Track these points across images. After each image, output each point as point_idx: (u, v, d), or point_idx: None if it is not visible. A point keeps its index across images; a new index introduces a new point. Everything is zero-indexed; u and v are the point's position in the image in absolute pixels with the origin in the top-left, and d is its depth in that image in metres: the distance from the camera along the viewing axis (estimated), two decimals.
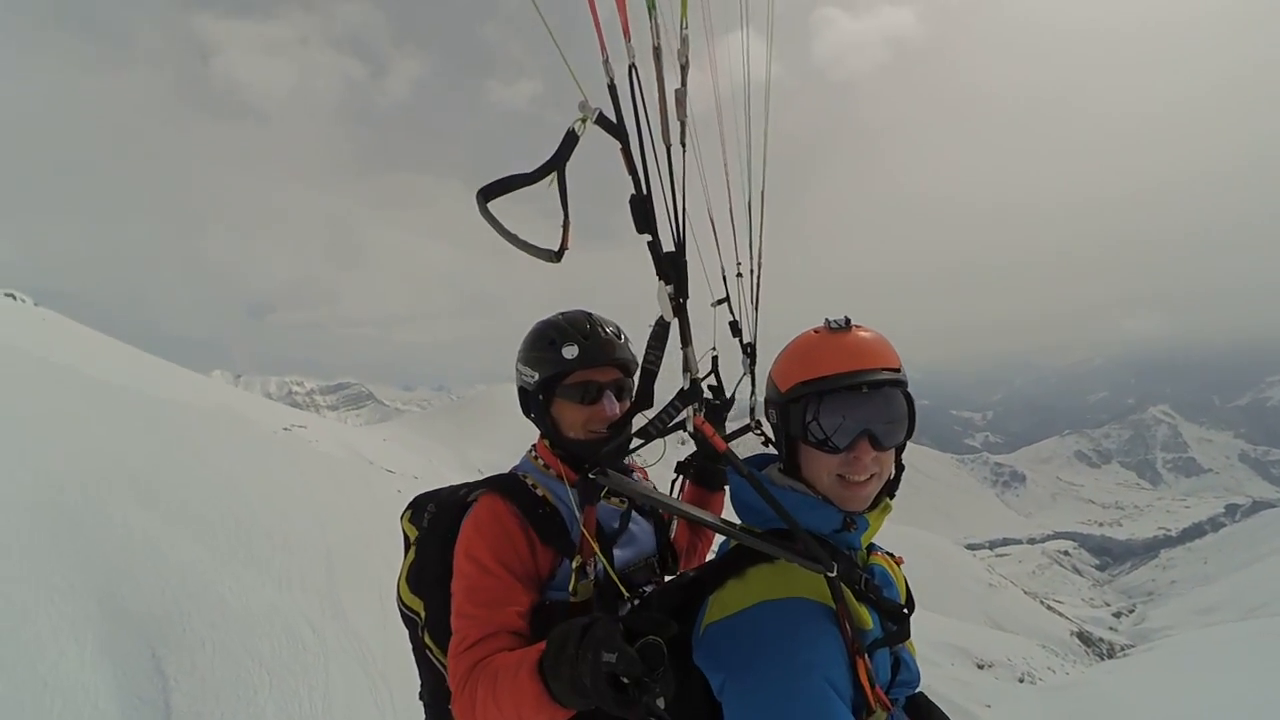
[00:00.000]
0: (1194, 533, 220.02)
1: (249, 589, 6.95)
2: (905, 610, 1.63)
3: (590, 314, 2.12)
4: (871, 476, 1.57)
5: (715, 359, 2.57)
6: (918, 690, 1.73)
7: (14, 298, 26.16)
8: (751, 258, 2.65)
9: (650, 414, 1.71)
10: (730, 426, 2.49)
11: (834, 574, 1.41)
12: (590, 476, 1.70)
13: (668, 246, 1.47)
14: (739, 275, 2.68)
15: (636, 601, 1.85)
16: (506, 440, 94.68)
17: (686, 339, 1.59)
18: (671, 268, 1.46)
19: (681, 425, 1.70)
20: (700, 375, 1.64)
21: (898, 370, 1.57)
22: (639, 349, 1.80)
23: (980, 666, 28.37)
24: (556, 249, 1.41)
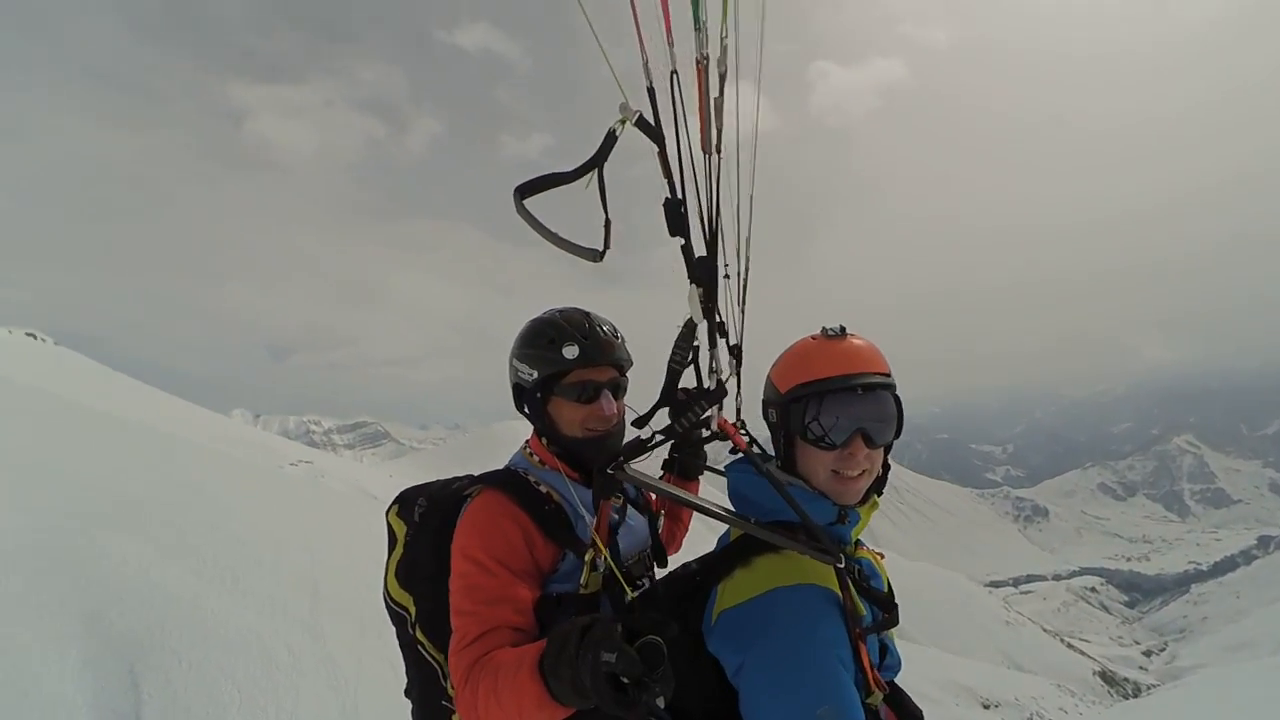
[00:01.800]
0: (1226, 566, 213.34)
1: (231, 613, 7.23)
2: (894, 601, 1.73)
3: (589, 312, 2.14)
4: (863, 472, 1.69)
5: (696, 349, 2.73)
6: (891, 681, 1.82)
7: (35, 337, 27.03)
8: (739, 260, 2.90)
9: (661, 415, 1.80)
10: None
11: (842, 565, 1.54)
12: (609, 472, 1.71)
13: (700, 252, 1.53)
14: (725, 277, 2.86)
15: (636, 593, 1.88)
16: None
17: (714, 341, 1.67)
18: (703, 272, 1.52)
19: (706, 424, 1.78)
20: (725, 376, 1.72)
21: (888, 375, 1.69)
22: (634, 350, 1.95)
23: (986, 706, 27.74)
24: (601, 249, 1.45)
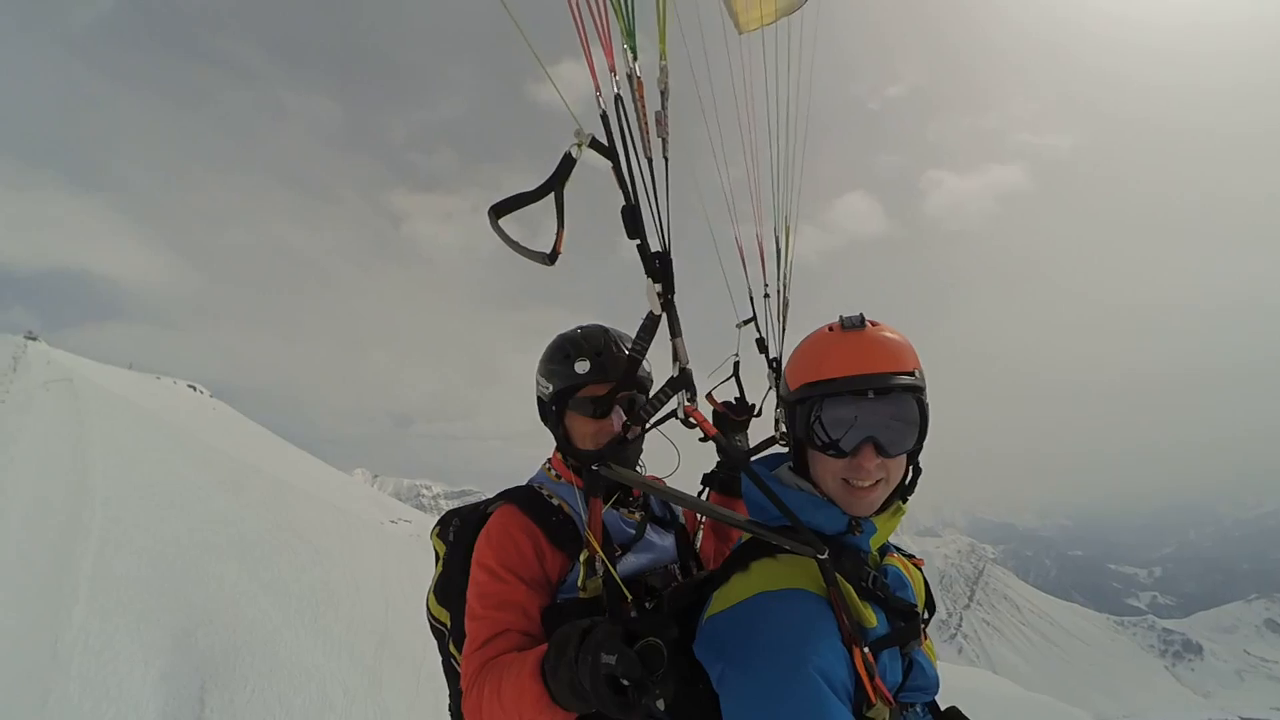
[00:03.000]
0: None
1: (302, 649, 7.79)
2: (917, 610, 1.59)
3: (608, 330, 2.16)
4: (877, 482, 1.52)
5: (737, 364, 2.66)
6: (949, 706, 1.69)
7: (194, 389, 30.32)
8: (779, 278, 2.84)
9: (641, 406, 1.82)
10: (754, 438, 2.61)
11: (824, 556, 1.41)
12: (594, 468, 1.74)
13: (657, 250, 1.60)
14: (766, 296, 2.83)
15: (649, 603, 1.89)
16: None
17: (675, 331, 1.65)
18: (659, 266, 1.56)
19: (673, 413, 1.73)
20: (688, 364, 1.70)
21: (911, 374, 1.51)
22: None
23: None
24: (549, 253, 1.51)
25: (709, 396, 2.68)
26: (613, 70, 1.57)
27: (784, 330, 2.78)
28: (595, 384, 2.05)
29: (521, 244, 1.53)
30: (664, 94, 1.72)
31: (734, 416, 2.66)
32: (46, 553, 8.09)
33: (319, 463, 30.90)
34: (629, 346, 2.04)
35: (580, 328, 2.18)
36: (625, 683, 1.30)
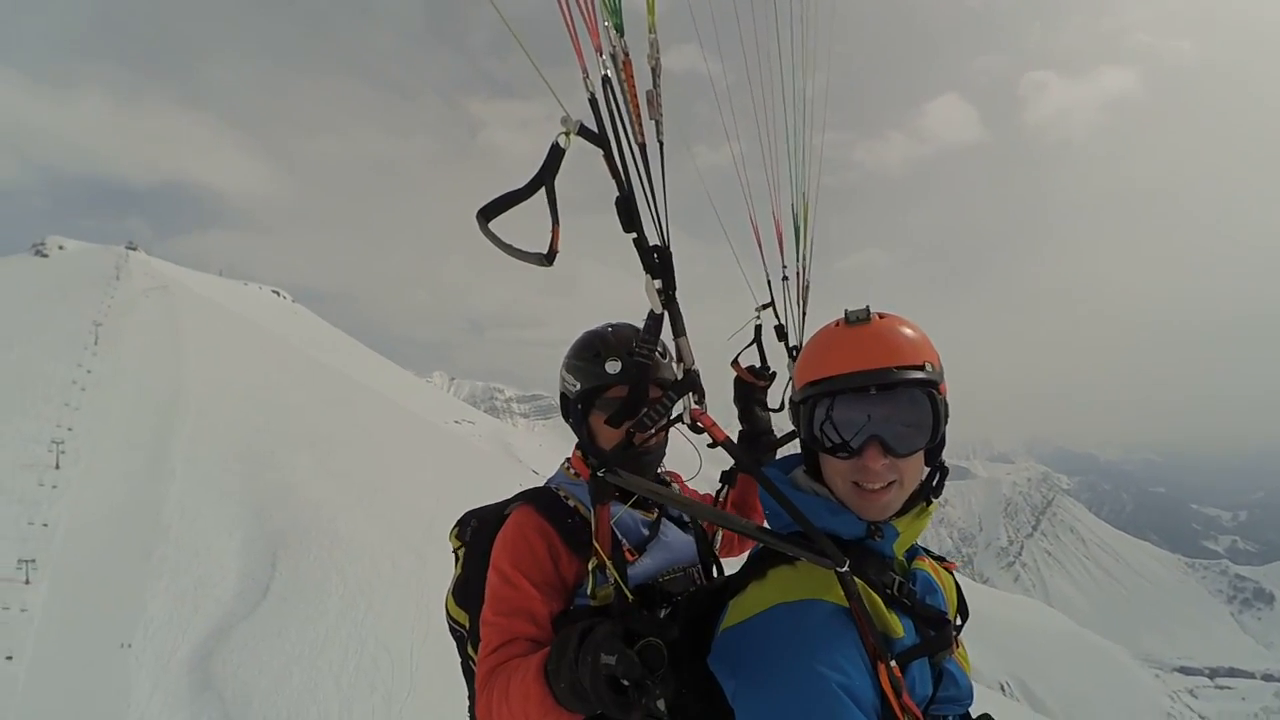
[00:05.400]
0: None
1: (359, 528, 9.11)
2: (948, 618, 1.51)
3: (639, 329, 2.01)
4: (890, 484, 1.42)
5: (758, 328, 2.59)
6: (981, 714, 1.59)
7: (278, 294, 32.38)
8: (799, 259, 2.67)
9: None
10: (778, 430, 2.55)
11: (844, 569, 1.32)
12: (600, 475, 1.66)
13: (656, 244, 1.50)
14: (784, 279, 2.67)
15: (665, 608, 1.85)
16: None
17: (678, 330, 1.57)
18: (658, 262, 1.47)
19: (679, 418, 1.64)
20: (693, 365, 1.62)
21: (920, 368, 1.41)
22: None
23: None
24: (546, 253, 1.42)
25: (734, 363, 2.60)
26: (599, 50, 1.46)
27: (805, 315, 2.66)
28: (625, 385, 1.98)
29: (515, 246, 1.43)
30: (655, 71, 1.58)
31: (756, 382, 2.58)
32: (148, 438, 9.58)
33: (390, 364, 32.87)
34: (658, 348, 2.00)
35: (611, 326, 2.12)
36: (625, 683, 1.30)
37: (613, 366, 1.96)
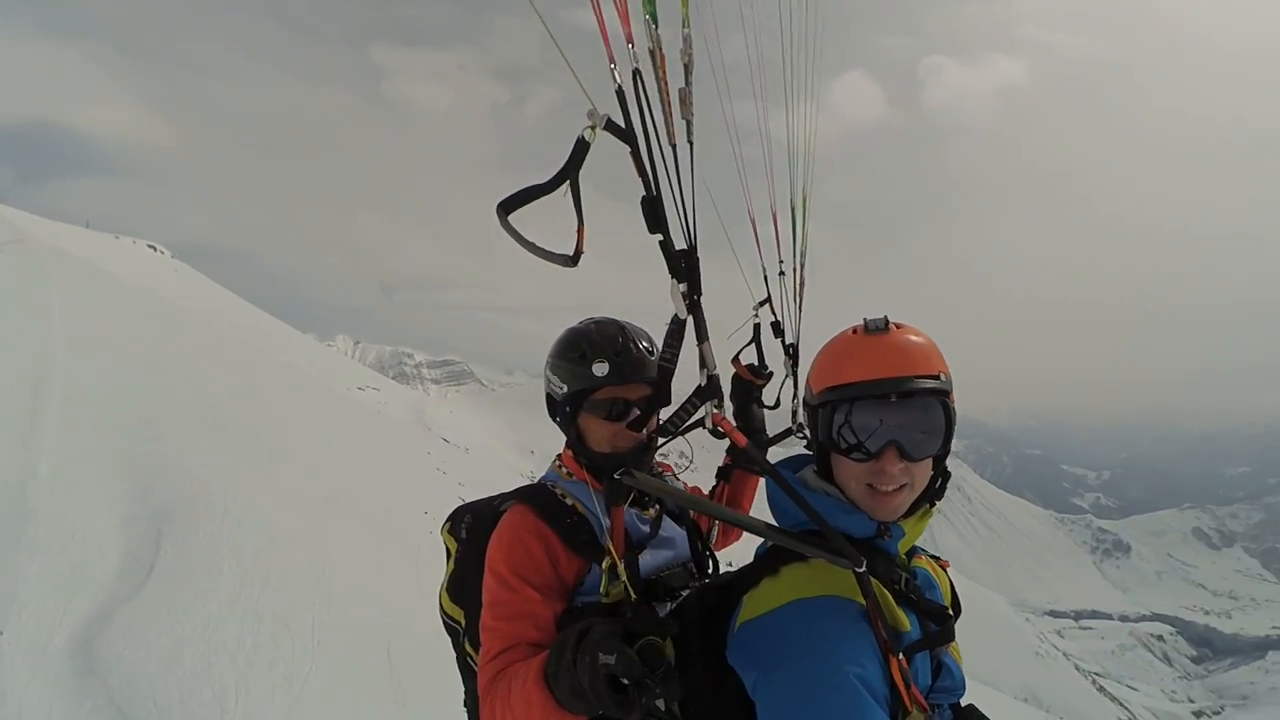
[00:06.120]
0: None
1: (253, 499, 8.61)
2: (949, 612, 1.58)
3: (624, 326, 2.08)
4: (902, 487, 1.49)
5: (757, 326, 2.59)
6: (967, 703, 1.67)
7: (155, 249, 30.15)
8: (795, 255, 2.63)
9: (668, 412, 1.72)
10: (772, 429, 2.57)
11: (862, 569, 1.38)
12: (616, 478, 1.65)
13: (680, 246, 1.48)
14: (780, 274, 2.66)
15: (670, 603, 1.87)
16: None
17: (702, 335, 1.56)
18: (684, 265, 1.45)
19: (700, 423, 1.64)
20: (715, 370, 1.61)
21: (937, 377, 1.48)
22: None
23: None
24: (572, 254, 1.39)
25: (734, 360, 2.58)
26: (630, 41, 1.39)
27: (800, 312, 2.66)
28: (614, 386, 1.98)
29: (537, 244, 1.38)
30: (688, 68, 1.55)
31: (755, 380, 2.57)
32: (13, 408, 8.76)
33: (284, 326, 31.22)
34: (644, 344, 2.03)
35: (594, 322, 2.11)
36: (625, 682, 1.31)
37: (600, 369, 1.94)
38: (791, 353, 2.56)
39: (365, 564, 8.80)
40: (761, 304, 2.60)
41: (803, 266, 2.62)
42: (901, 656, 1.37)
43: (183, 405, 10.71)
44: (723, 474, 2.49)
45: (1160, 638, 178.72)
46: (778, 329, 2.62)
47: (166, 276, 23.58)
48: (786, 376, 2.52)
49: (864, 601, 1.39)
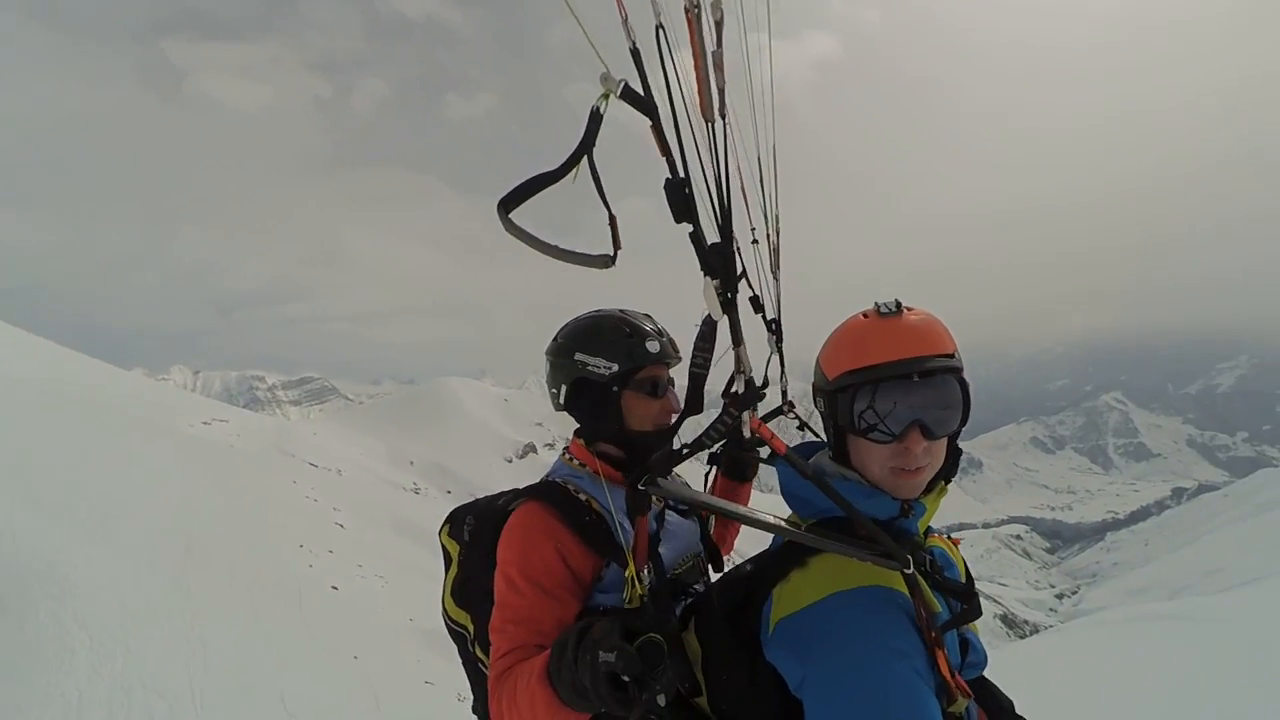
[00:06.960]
0: (1140, 516, 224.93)
1: (94, 565, 7.76)
2: (973, 590, 1.56)
3: (638, 312, 2.13)
4: (924, 465, 1.50)
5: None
6: (977, 676, 1.69)
7: None
8: (766, 222, 2.40)
9: (701, 419, 1.62)
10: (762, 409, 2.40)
11: (910, 570, 1.38)
12: (640, 488, 1.55)
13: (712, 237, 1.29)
14: (754, 242, 2.41)
15: (684, 598, 1.87)
16: (448, 436, 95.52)
17: (738, 338, 1.47)
18: (719, 260, 1.28)
19: (732, 434, 1.53)
20: (751, 373, 1.54)
21: (951, 356, 1.50)
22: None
23: None
24: (610, 254, 1.23)
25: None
26: None
27: (779, 283, 2.53)
28: (655, 365, 2.02)
29: (558, 246, 1.22)
30: (719, 25, 1.35)
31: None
32: None
33: (102, 364, 28.08)
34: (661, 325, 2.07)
35: (617, 310, 2.10)
36: (626, 679, 1.30)
37: (653, 345, 1.98)
38: (773, 329, 2.45)
39: (239, 612, 8.18)
40: (739, 278, 2.39)
41: (778, 233, 2.46)
42: (942, 643, 1.39)
43: None
44: (715, 460, 2.46)
45: (1018, 537, 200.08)
46: (756, 304, 2.40)
47: None
48: (771, 354, 2.45)
49: (903, 589, 1.42)
